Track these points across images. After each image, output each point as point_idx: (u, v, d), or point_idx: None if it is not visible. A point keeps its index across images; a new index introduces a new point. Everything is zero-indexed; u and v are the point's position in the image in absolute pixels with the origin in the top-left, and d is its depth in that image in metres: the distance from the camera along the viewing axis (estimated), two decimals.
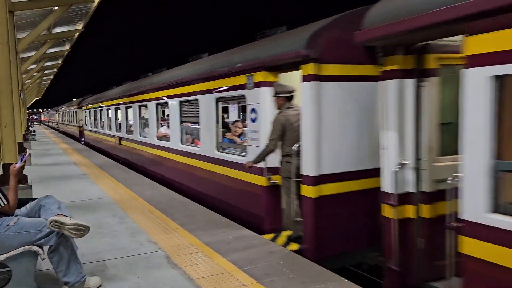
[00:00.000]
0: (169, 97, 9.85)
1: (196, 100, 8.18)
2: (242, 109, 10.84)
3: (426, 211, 4.06)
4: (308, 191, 5.03)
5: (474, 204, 3.12)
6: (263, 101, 5.94)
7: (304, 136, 5.11)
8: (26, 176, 7.90)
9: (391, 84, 4.15)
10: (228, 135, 8.08)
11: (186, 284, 4.08)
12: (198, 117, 8.15)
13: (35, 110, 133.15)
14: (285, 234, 5.71)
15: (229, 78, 6.84)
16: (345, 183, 5.14)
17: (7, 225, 3.65)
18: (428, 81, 3.90)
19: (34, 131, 34.94)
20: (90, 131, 23.11)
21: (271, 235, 5.73)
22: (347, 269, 5.42)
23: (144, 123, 12.67)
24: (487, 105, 3.00)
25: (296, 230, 5.47)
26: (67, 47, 27.41)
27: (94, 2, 16.07)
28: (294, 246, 5.34)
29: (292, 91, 5.52)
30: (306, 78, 5.01)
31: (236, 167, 6.65)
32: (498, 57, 2.91)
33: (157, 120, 11.25)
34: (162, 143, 10.51)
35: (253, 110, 6.22)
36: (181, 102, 9.14)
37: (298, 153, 5.24)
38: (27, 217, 3.91)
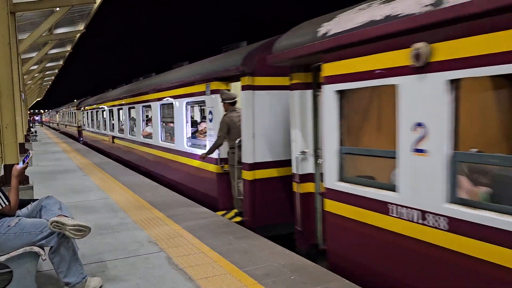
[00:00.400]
0: (152, 100, 11.40)
1: (172, 104, 9.77)
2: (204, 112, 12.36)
3: (322, 186, 5.03)
4: (246, 175, 6.42)
5: (330, 176, 4.58)
6: (216, 105, 7.37)
7: (243, 132, 6.49)
8: (27, 177, 7.91)
9: (296, 94, 5.44)
10: (197, 133, 9.81)
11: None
12: (173, 117, 9.69)
13: (36, 111, 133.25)
14: (234, 211, 7.16)
15: (194, 86, 8.36)
16: (274, 169, 6.48)
17: (8, 225, 3.66)
18: (321, 91, 4.87)
19: (36, 132, 34.96)
20: (88, 131, 25.06)
21: (223, 212, 7.22)
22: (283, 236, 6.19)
23: (133, 123, 14.34)
24: (335, 110, 4.47)
25: (239, 206, 6.85)
26: (68, 48, 27.44)
27: (95, 3, 16.10)
28: (238, 219, 6.78)
29: (234, 98, 6.92)
30: (244, 88, 6.40)
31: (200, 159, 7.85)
32: (338, 78, 4.40)
33: (143, 120, 13.01)
34: (147, 140, 12.12)
35: (210, 112, 7.72)
36: (161, 105, 10.77)
37: (239, 146, 6.60)
38: (28, 218, 3.91)
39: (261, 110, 6.33)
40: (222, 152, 7.35)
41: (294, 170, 5.44)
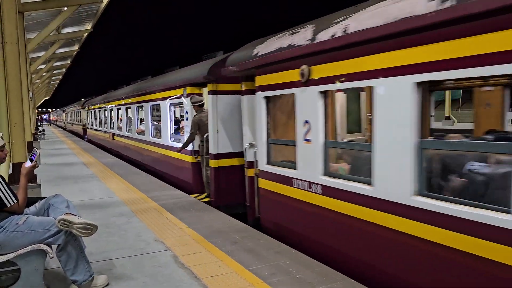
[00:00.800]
0: (144, 101, 13.06)
1: (159, 105, 11.30)
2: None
3: (257, 170, 6.45)
4: (212, 163, 7.91)
5: (261, 161, 6.18)
6: (191, 106, 8.72)
7: (209, 129, 7.90)
8: (35, 175, 7.97)
9: (245, 98, 6.90)
10: (180, 130, 11.66)
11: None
12: (160, 117, 11.32)
13: (44, 109, 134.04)
14: (204, 194, 8.60)
15: (175, 90, 9.92)
16: (234, 159, 7.91)
17: (17, 223, 3.69)
18: None
19: (44, 130, 35.20)
20: (91, 129, 27.01)
21: (195, 194, 8.67)
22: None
23: (129, 121, 16.07)
24: (264, 111, 6.05)
25: (208, 189, 8.36)
26: (76, 47, 27.62)
27: (102, 2, 16.19)
28: (207, 199, 8.22)
29: (201, 101, 8.45)
30: (210, 92, 7.87)
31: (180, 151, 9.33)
32: (265, 87, 5.96)
33: (137, 119, 14.70)
34: (141, 136, 13.85)
35: (186, 112, 9.32)
36: (151, 106, 12.34)
37: (207, 140, 8.04)
38: (36, 216, 3.94)
39: (223, 110, 7.78)
40: (195, 145, 8.92)
41: (244, 158, 6.86)
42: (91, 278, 3.93)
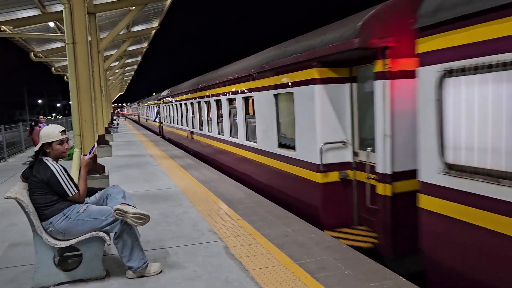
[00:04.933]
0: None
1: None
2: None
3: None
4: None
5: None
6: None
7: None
8: (103, 166, 8.53)
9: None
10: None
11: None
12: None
13: (119, 104, 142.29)
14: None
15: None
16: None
17: (78, 212, 3.98)
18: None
19: (118, 124, 37.43)
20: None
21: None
22: None
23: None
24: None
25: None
26: (145, 44, 28.97)
27: (167, 0, 16.78)
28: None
29: None
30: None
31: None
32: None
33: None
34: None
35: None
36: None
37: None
38: (96, 205, 4.22)
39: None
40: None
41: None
42: (145, 265, 4.14)
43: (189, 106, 16.60)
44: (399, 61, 4.93)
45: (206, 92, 13.21)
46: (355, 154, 6.13)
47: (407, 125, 4.95)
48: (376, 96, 5.10)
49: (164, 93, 25.00)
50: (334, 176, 6.15)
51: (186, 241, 5.24)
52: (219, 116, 12.13)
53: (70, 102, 8.26)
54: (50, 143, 4.05)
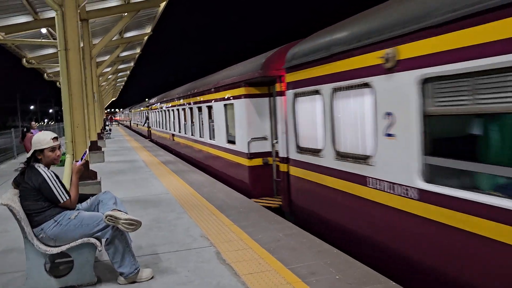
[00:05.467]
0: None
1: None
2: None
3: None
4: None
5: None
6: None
7: None
8: (95, 173, 8.52)
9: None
10: None
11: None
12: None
13: (112, 110, 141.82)
14: None
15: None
16: None
17: (69, 218, 3.98)
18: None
19: (110, 130, 37.31)
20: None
21: None
22: None
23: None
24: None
25: None
26: (138, 50, 28.97)
27: (159, 6, 16.84)
28: None
29: None
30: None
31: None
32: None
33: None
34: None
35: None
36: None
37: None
38: (87, 211, 4.23)
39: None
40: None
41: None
42: (136, 271, 4.15)
43: (171, 113, 19.71)
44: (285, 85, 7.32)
45: (182, 101, 16.42)
46: (273, 145, 8.76)
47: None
48: (277, 107, 7.71)
49: (152, 101, 29.11)
50: (258, 161, 8.91)
51: (178, 246, 5.25)
52: (192, 121, 15.22)
53: (62, 108, 8.25)
54: (41, 150, 4.06)
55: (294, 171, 6.89)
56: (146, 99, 40.59)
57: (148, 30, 22.63)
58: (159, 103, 23.99)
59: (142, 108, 39.43)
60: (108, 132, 32.84)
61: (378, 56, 4.51)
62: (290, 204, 7.28)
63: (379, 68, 4.54)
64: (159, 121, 24.82)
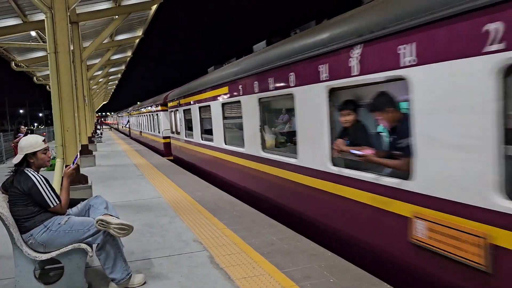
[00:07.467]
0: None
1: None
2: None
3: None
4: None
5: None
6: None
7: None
8: (86, 177, 8.41)
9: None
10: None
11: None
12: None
13: (103, 113, 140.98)
14: None
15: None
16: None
17: (59, 223, 3.90)
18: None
19: (101, 133, 37.04)
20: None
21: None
22: None
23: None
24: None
25: None
26: (129, 53, 28.82)
27: (151, 9, 16.76)
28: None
29: None
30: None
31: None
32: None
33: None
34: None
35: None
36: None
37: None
38: (78, 216, 4.15)
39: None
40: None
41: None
42: (128, 276, 4.08)
43: (139, 118, 31.16)
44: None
45: (143, 110, 28.22)
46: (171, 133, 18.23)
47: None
48: (169, 115, 18.13)
49: (130, 109, 42.43)
50: (166, 140, 19.52)
51: (171, 251, 5.19)
52: (145, 123, 27.75)
53: (52, 112, 8.14)
54: (34, 153, 3.99)
55: (173, 142, 17.06)
56: (138, 102, 40.87)
57: (139, 33, 22.52)
58: (134, 110, 36.75)
59: (124, 114, 53.63)
60: (99, 136, 32.59)
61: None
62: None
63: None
64: (134, 123, 37.55)
